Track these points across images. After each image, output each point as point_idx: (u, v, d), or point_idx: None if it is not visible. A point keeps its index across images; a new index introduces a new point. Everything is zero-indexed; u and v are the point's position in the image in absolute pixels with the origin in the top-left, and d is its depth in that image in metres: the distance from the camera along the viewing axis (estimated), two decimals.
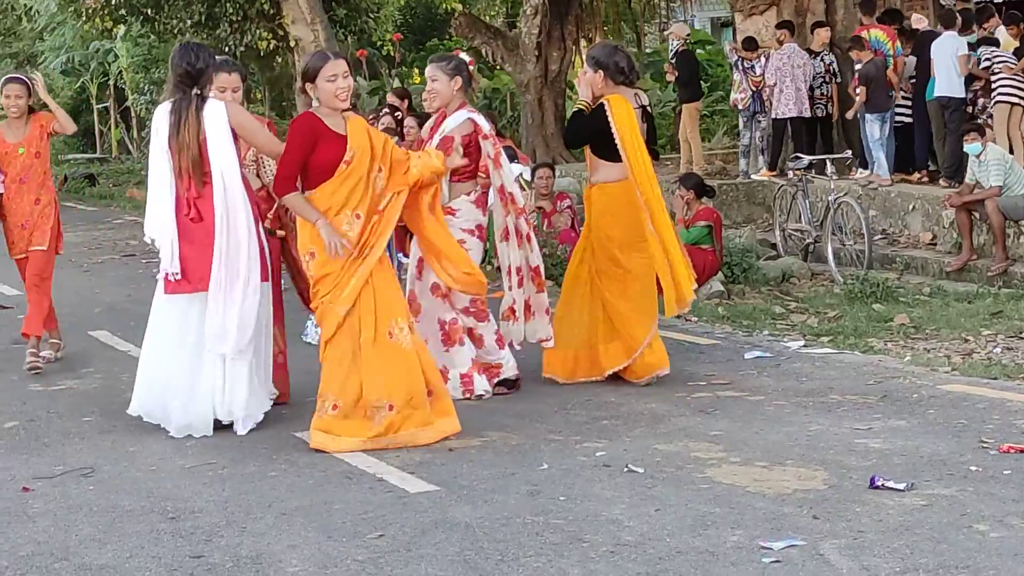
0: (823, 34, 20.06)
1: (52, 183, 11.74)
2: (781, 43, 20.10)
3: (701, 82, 24.07)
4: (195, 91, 8.77)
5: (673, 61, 22.84)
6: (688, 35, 23.57)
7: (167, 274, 8.76)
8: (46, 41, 42.38)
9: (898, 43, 18.43)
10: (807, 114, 19.87)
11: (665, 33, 23.12)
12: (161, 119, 8.82)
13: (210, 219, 8.68)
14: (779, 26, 20.42)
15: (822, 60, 19.89)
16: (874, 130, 18.05)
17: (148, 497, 7.44)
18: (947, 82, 17.33)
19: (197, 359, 8.73)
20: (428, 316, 9.55)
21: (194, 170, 8.68)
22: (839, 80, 19.88)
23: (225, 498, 7.38)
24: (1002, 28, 17.88)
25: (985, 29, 17.96)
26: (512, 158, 17.09)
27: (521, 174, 15.86)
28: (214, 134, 8.71)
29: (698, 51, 23.73)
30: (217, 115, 8.73)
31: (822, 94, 19.93)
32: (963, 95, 17.40)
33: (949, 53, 17.31)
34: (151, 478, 7.86)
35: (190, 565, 6.29)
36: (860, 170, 18.73)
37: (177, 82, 8.80)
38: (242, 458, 8.21)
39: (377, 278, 8.42)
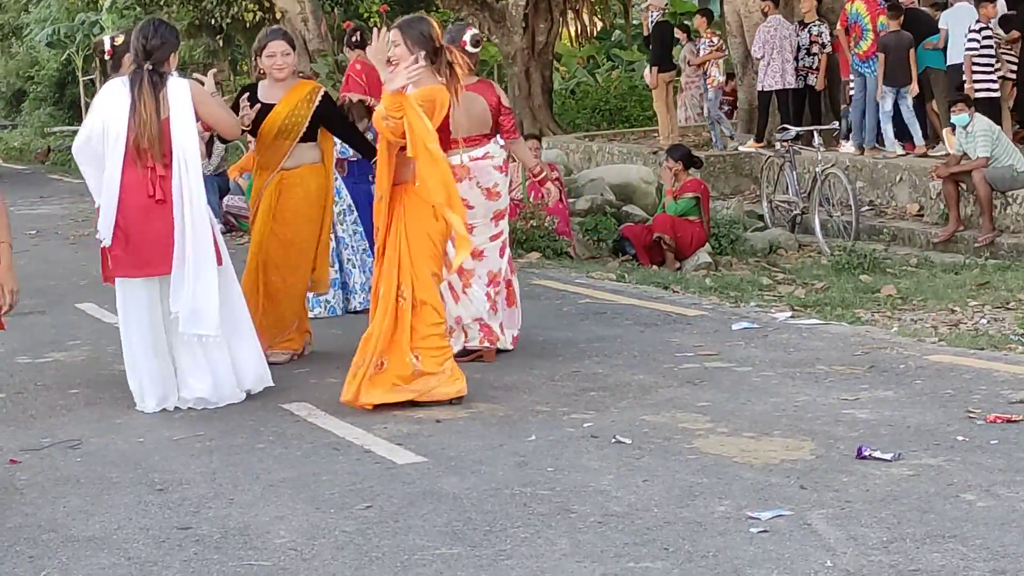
0: (810, 4, 20.03)
1: None
2: (766, 15, 20.09)
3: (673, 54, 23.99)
4: (147, 66, 8.65)
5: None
6: (666, 5, 23.54)
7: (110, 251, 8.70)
8: (31, 13, 42.27)
9: (881, 18, 18.34)
10: (793, 85, 19.85)
11: (644, 4, 23.09)
12: (113, 92, 8.69)
13: (170, 200, 8.57)
14: None
15: (809, 31, 19.85)
16: (886, 103, 17.92)
17: (135, 469, 7.43)
18: (962, 50, 17.27)
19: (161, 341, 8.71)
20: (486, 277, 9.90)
21: (153, 148, 8.52)
22: (829, 50, 19.84)
23: (213, 470, 7.38)
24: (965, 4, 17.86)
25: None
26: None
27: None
28: (178, 113, 8.58)
29: (685, 23, 23.65)
30: (181, 94, 8.63)
31: (804, 66, 19.90)
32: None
33: (967, 21, 17.28)
34: (138, 450, 7.85)
35: (178, 536, 6.28)
36: (877, 144, 18.56)
37: (134, 56, 8.69)
38: (230, 430, 8.21)
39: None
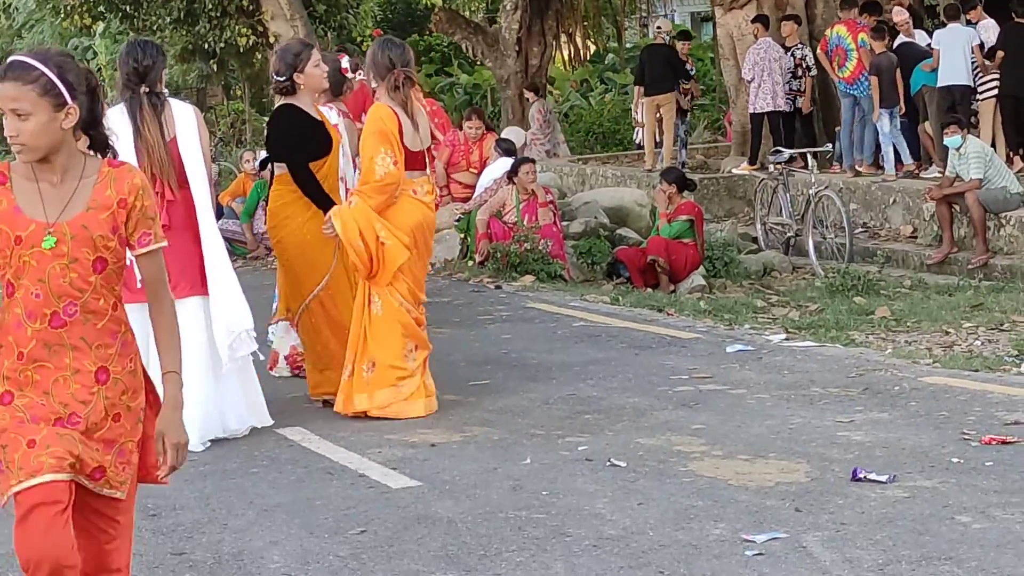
0: (790, 28, 20.08)
1: None
2: (756, 38, 20.14)
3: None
4: (143, 89, 8.41)
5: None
6: (670, 30, 23.62)
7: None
8: (24, 39, 42.25)
9: (861, 35, 18.37)
10: (783, 108, 19.89)
11: (656, 27, 23.19)
12: (116, 122, 8.54)
13: (185, 223, 8.42)
14: (754, 20, 20.45)
15: (792, 55, 19.90)
16: (884, 124, 17.94)
17: None
18: (955, 70, 17.31)
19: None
20: None
21: (163, 172, 8.29)
22: (813, 73, 19.88)
23: (207, 495, 7.36)
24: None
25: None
26: (510, 152, 17.14)
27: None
28: (184, 135, 8.39)
29: (677, 44, 23.67)
30: (187, 117, 8.46)
31: (791, 89, 19.95)
32: (971, 83, 17.43)
33: (961, 42, 17.32)
34: None
35: (172, 562, 6.27)
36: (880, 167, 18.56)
37: (126, 81, 8.38)
38: (223, 454, 8.19)
39: None
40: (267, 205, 9.74)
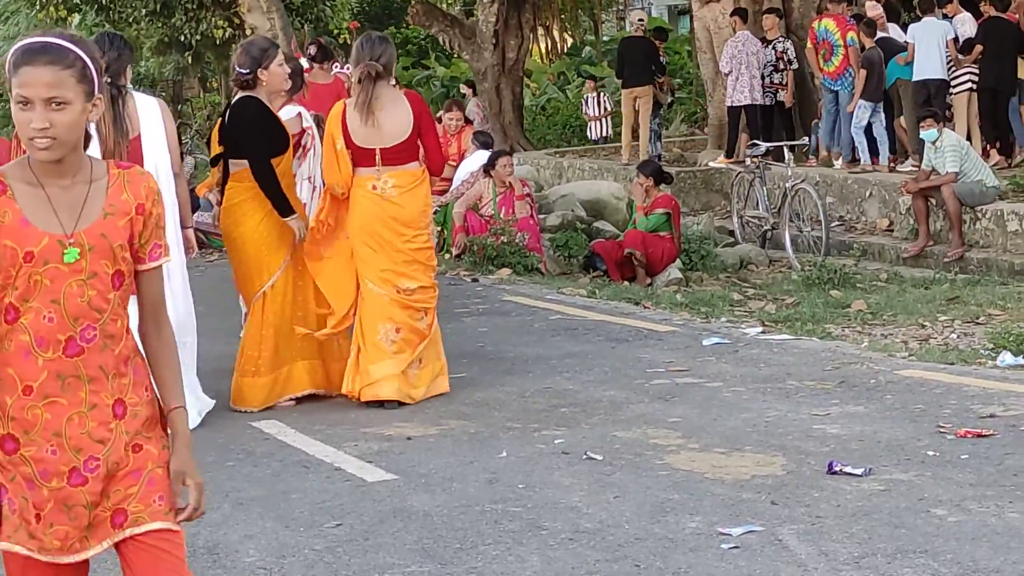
0: (771, 21, 20.11)
1: None
2: (735, 31, 20.15)
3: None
4: (105, 79, 8.39)
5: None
6: (643, 22, 23.66)
7: None
8: None
9: (851, 34, 18.40)
10: (761, 101, 19.91)
11: (638, 20, 23.22)
12: None
13: None
14: (732, 14, 20.47)
15: (773, 48, 19.93)
16: (863, 117, 17.98)
17: None
18: (930, 64, 17.33)
19: None
20: None
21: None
22: (795, 67, 19.91)
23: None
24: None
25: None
26: (487, 145, 17.13)
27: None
28: (149, 130, 8.40)
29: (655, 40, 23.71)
30: (151, 111, 8.46)
31: (772, 82, 19.97)
32: (946, 76, 17.45)
33: (935, 36, 17.34)
34: None
35: None
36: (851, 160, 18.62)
37: None
38: (199, 448, 8.09)
39: None
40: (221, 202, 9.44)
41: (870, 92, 17.86)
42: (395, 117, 9.06)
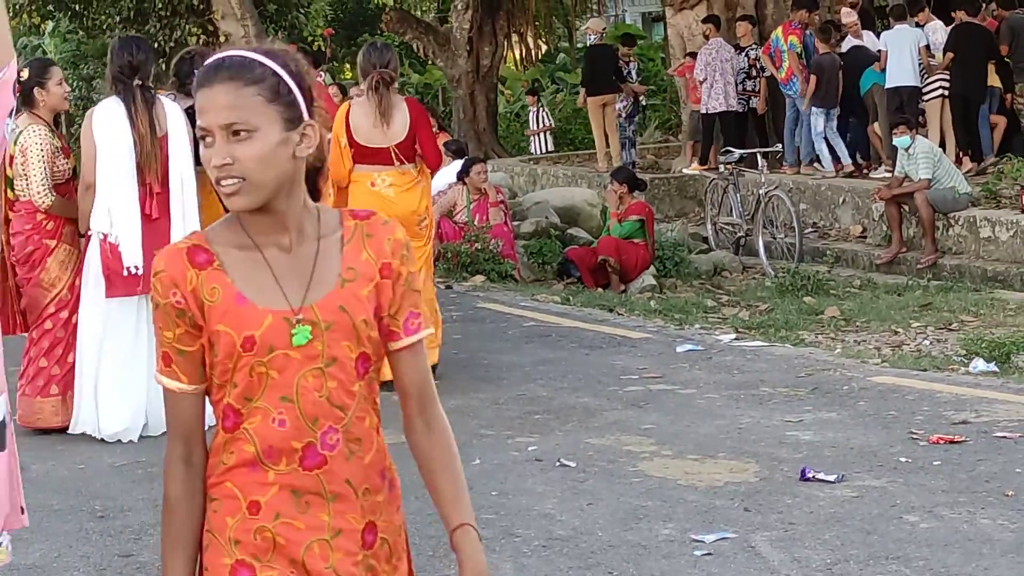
0: (744, 28, 20.18)
1: None
2: (707, 38, 20.21)
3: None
4: (136, 82, 8.54)
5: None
6: (604, 29, 23.73)
7: (121, 272, 8.39)
8: None
9: (791, 38, 18.57)
10: (735, 108, 19.96)
11: (583, 27, 23.40)
12: (109, 113, 8.52)
13: (165, 218, 8.46)
14: (705, 21, 20.52)
15: (747, 55, 20.00)
16: (818, 123, 18.08)
17: (76, 496, 7.36)
18: (902, 71, 17.40)
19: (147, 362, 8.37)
20: None
21: (148, 166, 8.38)
22: (768, 74, 19.97)
23: (154, 496, 7.31)
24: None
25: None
26: (461, 153, 17.13)
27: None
28: (175, 133, 8.50)
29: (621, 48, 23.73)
30: (176, 116, 8.55)
31: (745, 89, 20.04)
32: (919, 84, 17.52)
33: (908, 43, 17.42)
34: (79, 476, 7.78)
35: (119, 564, 6.23)
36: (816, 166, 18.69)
37: (118, 74, 8.50)
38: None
39: None
40: None
41: (822, 98, 17.95)
42: (396, 120, 9.57)
